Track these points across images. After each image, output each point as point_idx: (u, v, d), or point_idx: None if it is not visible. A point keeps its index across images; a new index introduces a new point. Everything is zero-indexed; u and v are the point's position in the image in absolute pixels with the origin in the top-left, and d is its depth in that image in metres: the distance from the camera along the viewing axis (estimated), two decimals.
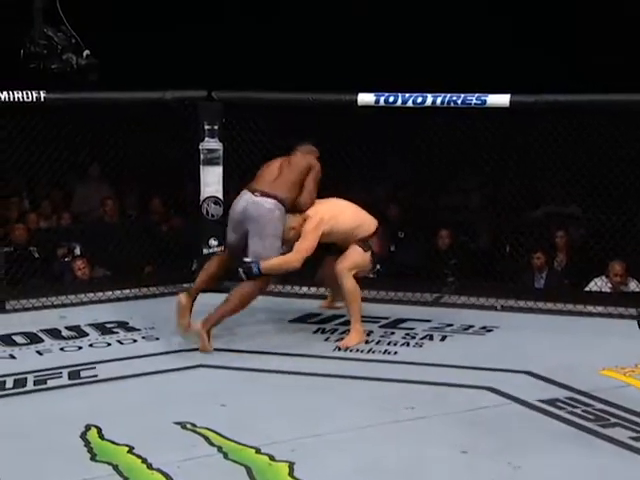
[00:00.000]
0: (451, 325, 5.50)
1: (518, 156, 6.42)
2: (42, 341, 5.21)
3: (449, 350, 5.03)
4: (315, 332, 5.39)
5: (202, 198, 6.34)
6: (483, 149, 6.14)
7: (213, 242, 6.42)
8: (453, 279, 6.63)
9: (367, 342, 5.16)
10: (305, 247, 4.97)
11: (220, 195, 6.41)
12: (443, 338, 5.28)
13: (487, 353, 4.93)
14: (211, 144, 6.39)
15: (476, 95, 5.73)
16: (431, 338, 5.26)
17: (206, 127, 6.35)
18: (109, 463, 3.56)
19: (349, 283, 5.03)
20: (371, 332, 5.33)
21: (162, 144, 6.40)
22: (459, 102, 5.76)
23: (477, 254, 6.76)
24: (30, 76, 5.71)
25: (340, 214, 5.13)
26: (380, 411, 4.10)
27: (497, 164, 6.33)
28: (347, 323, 5.53)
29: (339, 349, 4.99)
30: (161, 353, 4.98)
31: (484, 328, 5.46)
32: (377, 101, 5.96)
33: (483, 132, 6.02)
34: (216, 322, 5.01)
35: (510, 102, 5.66)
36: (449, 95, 5.79)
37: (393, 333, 5.32)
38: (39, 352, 5.01)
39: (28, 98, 5.80)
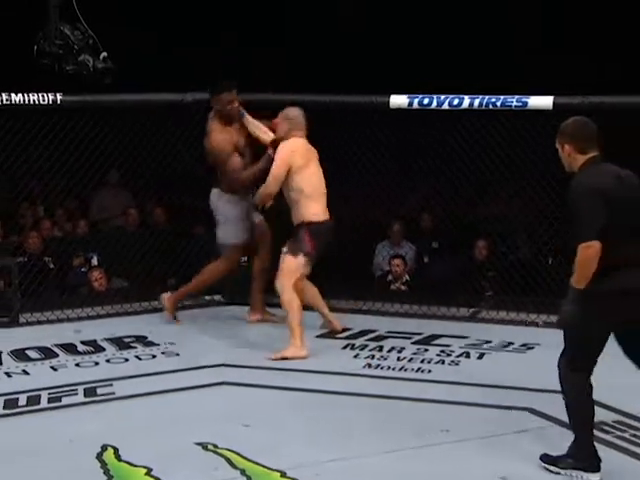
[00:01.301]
0: (489, 342, 5.47)
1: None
2: (57, 356, 5.25)
3: (487, 369, 4.99)
4: (344, 348, 5.38)
5: None
6: (524, 154, 6.10)
7: None
8: (491, 293, 6.59)
9: (399, 359, 5.14)
10: (273, 172, 5.26)
11: None
12: (481, 356, 5.24)
13: (528, 372, 4.88)
14: None
15: (516, 97, 5.70)
16: (468, 356, 5.23)
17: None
18: None
19: (285, 296, 5.18)
20: (403, 349, 5.32)
21: (182, 148, 6.42)
22: (498, 104, 5.74)
23: (517, 266, 6.70)
24: (43, 77, 5.77)
25: (310, 174, 5.26)
26: (412, 434, 4.08)
27: (539, 170, 6.28)
28: (379, 338, 5.53)
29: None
30: (181, 370, 5.00)
31: (525, 345, 5.42)
32: (410, 103, 5.95)
33: (524, 136, 5.99)
34: (181, 295, 5.88)
35: (554, 104, 5.63)
36: (487, 97, 5.77)
37: (427, 350, 5.30)
38: (54, 368, 5.05)
39: (44, 101, 5.87)
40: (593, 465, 3.60)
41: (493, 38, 8.84)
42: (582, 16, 8.45)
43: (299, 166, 5.23)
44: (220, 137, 5.64)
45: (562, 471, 3.64)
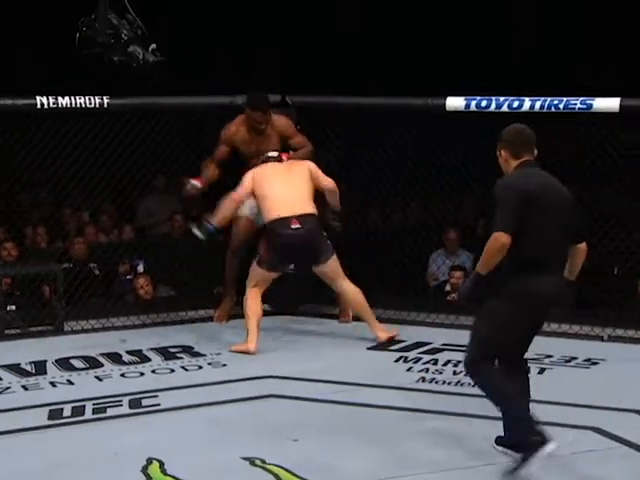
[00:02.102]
0: (550, 356, 5.39)
1: (629, 166, 6.25)
2: (102, 366, 5.31)
3: (548, 384, 4.91)
4: (396, 361, 5.35)
5: None
6: (587, 158, 6.01)
7: None
8: None
9: (455, 373, 5.09)
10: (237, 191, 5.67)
11: None
12: (541, 371, 5.17)
13: (592, 389, 4.82)
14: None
15: (580, 99, 5.63)
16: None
17: None
18: None
19: (246, 301, 5.59)
20: (460, 362, 5.25)
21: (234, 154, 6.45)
22: (561, 106, 5.68)
23: (579, 276, 6.60)
24: (89, 77, 5.81)
25: (268, 185, 5.58)
26: (469, 452, 4.03)
27: (603, 175, 6.19)
28: (434, 351, 5.49)
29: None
30: (228, 381, 5.02)
31: (588, 360, 5.34)
32: (467, 106, 5.91)
33: (585, 138, 5.92)
34: None
35: (620, 106, 5.54)
36: (549, 99, 5.71)
37: None
38: (98, 378, 5.10)
39: (91, 104, 5.95)
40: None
41: (493, 37, 8.87)
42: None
43: (261, 186, 5.60)
44: (232, 128, 5.95)
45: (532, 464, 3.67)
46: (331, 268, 5.59)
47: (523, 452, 3.70)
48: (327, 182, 5.68)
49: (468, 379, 4.95)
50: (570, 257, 3.88)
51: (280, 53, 9.40)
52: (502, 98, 5.84)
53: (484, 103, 5.87)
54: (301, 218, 5.47)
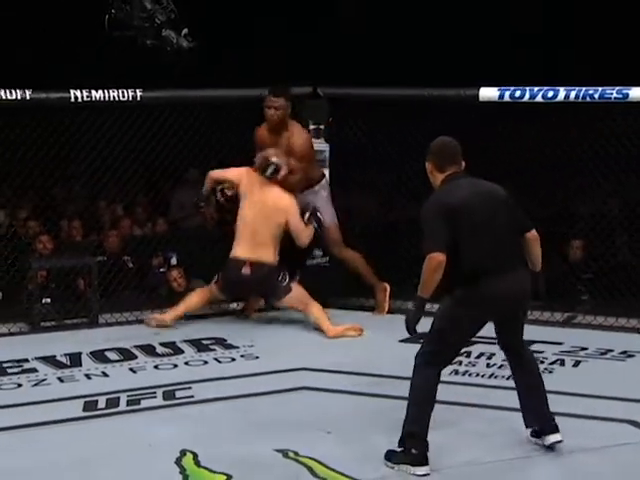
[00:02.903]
0: (586, 349, 5.36)
1: None
2: (135, 358, 5.35)
3: (583, 377, 4.89)
4: None
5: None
6: (624, 149, 5.95)
7: (317, 252, 6.45)
8: (588, 297, 6.44)
9: (488, 366, 5.08)
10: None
11: None
12: (576, 363, 5.13)
13: (628, 381, 4.77)
14: (316, 145, 6.43)
15: (616, 88, 5.57)
16: (562, 363, 5.13)
17: (311, 126, 6.40)
18: None
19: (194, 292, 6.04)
20: (493, 355, 5.24)
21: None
22: (596, 96, 5.62)
23: (616, 268, 6.54)
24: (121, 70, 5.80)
25: (246, 200, 5.86)
26: (505, 445, 4.02)
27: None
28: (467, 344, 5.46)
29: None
30: (261, 373, 5.03)
31: (624, 353, 5.29)
32: (501, 96, 5.88)
33: (623, 129, 5.86)
34: None
35: None
36: (584, 89, 5.65)
37: None
38: (132, 370, 5.15)
39: (124, 97, 5.99)
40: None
41: (494, 36, 8.87)
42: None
43: (243, 192, 5.84)
44: (258, 129, 6.06)
45: (395, 466, 3.77)
46: (292, 302, 5.81)
47: (399, 453, 3.78)
48: (300, 235, 5.82)
49: (501, 372, 4.98)
50: (526, 249, 3.95)
51: (314, 43, 9.40)
52: (536, 88, 5.80)
53: (518, 93, 5.83)
54: (254, 265, 5.72)
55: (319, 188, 6.13)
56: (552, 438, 3.93)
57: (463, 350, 5.28)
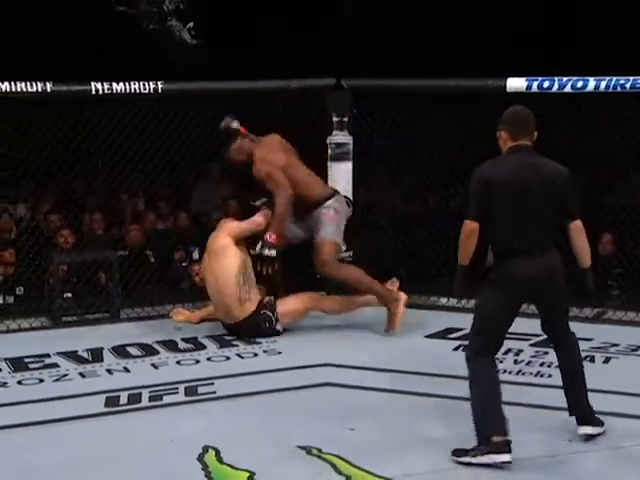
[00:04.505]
0: (616, 345, 5.32)
1: None
2: (157, 353, 5.37)
3: (614, 374, 4.85)
4: (455, 349, 5.32)
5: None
6: None
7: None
8: (618, 292, 6.39)
9: (516, 362, 5.06)
10: None
11: (350, 194, 6.42)
12: (607, 360, 5.10)
13: None
14: (340, 138, 6.42)
15: None
16: (592, 360, 5.09)
17: (334, 119, 6.40)
18: None
19: None
20: (521, 351, 5.22)
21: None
22: (627, 86, 5.58)
23: None
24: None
25: None
26: (533, 443, 4.00)
27: None
28: None
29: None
30: (284, 369, 5.04)
31: None
32: (529, 87, 5.84)
33: None
34: None
35: None
36: (615, 78, 5.60)
37: (547, 353, 5.17)
38: (154, 365, 5.17)
39: (145, 89, 6.01)
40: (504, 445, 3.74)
41: (495, 35, 8.86)
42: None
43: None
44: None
45: (474, 460, 3.76)
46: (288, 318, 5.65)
47: (479, 446, 3.78)
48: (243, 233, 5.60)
49: (530, 368, 4.95)
50: (571, 241, 3.95)
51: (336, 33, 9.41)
52: (565, 78, 5.76)
53: (546, 84, 5.80)
54: (237, 325, 5.59)
55: (321, 209, 5.67)
56: (582, 430, 3.96)
57: None
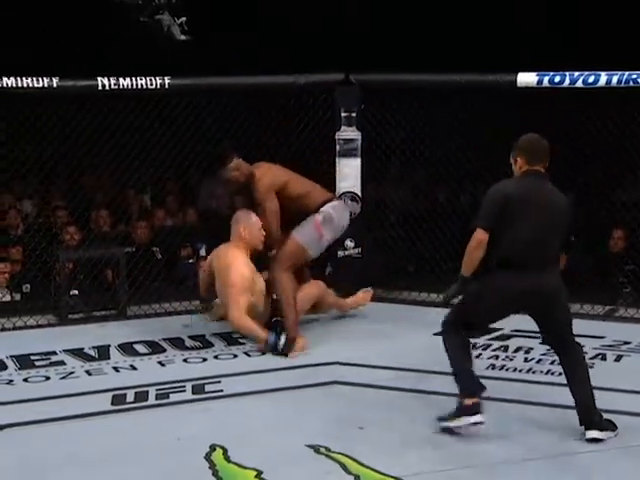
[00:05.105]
0: (628, 343, 5.30)
1: None
2: (164, 351, 5.37)
3: (626, 372, 4.83)
4: None
5: (337, 194, 6.37)
6: None
7: (349, 243, 6.44)
8: (630, 289, 6.36)
9: (526, 360, 5.04)
10: None
11: (358, 191, 6.43)
12: (618, 358, 5.08)
13: None
14: (348, 133, 6.42)
15: None
16: (604, 358, 5.08)
17: (343, 114, 6.39)
18: None
19: None
20: (531, 349, 5.20)
21: (294, 135, 6.45)
22: None
23: None
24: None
25: None
26: (544, 442, 3.99)
27: None
28: (504, 338, 5.44)
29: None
30: (292, 367, 5.04)
31: None
32: (540, 81, 5.83)
33: None
34: None
35: None
36: (627, 73, 5.58)
37: None
38: (161, 363, 5.17)
39: (152, 85, 6.01)
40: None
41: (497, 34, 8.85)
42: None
43: None
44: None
45: (451, 424, 4.03)
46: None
47: (453, 412, 4.05)
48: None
49: (540, 367, 4.94)
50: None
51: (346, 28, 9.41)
52: (577, 73, 5.74)
53: (557, 79, 5.78)
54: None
55: (315, 213, 5.54)
56: (588, 434, 3.97)
57: (500, 345, 5.31)
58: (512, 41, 9.26)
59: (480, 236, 3.96)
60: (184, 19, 5.60)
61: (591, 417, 3.98)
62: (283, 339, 5.20)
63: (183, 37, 5.62)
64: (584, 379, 4.03)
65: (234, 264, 5.42)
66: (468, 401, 4.01)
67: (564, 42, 9.33)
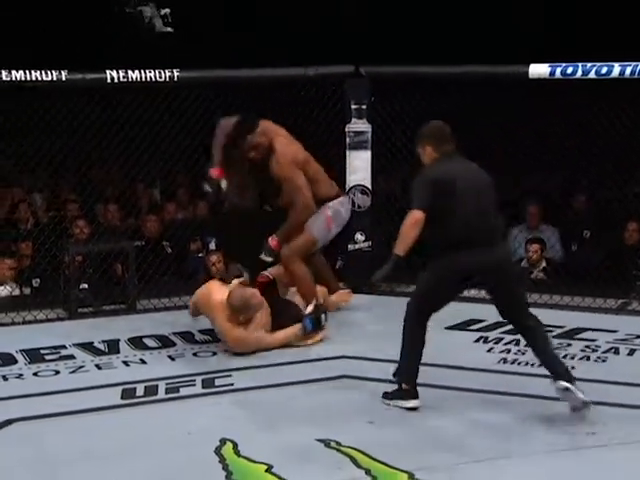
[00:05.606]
0: None
1: None
2: (174, 345, 5.39)
3: (638, 366, 4.81)
4: (476, 341, 5.31)
5: (348, 187, 6.37)
6: None
7: (360, 237, 6.44)
8: None
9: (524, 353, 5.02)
10: None
11: (368, 183, 6.42)
12: (631, 352, 5.07)
13: None
14: (358, 126, 6.41)
15: None
16: (616, 352, 5.07)
17: (353, 107, 6.38)
18: None
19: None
20: None
21: (305, 127, 6.44)
22: None
23: None
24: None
25: None
26: (554, 436, 3.98)
27: None
28: (515, 332, 5.41)
29: None
30: (300, 361, 5.05)
31: None
32: (552, 73, 5.81)
33: None
34: None
35: None
36: None
37: (570, 345, 5.16)
38: (171, 357, 5.18)
39: (161, 77, 6.01)
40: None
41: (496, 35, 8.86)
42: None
43: None
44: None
45: (390, 403, 4.33)
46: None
47: (394, 391, 4.35)
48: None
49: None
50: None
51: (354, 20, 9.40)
52: (589, 64, 5.72)
53: (570, 70, 5.75)
54: None
55: (324, 207, 5.52)
56: (558, 384, 4.12)
57: (512, 338, 5.30)
58: (509, 39, 9.24)
59: (417, 215, 4.10)
60: (167, 11, 5.60)
61: (560, 368, 4.18)
62: (312, 318, 5.29)
63: (166, 29, 5.62)
64: (545, 345, 4.25)
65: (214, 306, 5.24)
66: (406, 386, 4.30)
67: (562, 42, 9.31)
